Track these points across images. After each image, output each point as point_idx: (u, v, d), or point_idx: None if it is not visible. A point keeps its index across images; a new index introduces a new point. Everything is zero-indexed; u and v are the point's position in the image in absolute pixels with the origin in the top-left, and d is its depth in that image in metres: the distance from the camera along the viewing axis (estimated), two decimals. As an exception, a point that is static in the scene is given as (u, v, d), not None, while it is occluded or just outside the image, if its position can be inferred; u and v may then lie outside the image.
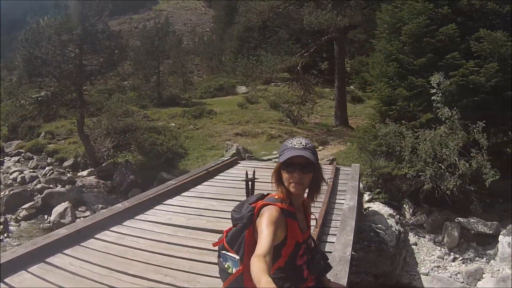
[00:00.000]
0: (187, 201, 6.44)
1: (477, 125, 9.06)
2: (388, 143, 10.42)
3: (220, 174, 8.48)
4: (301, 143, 2.11)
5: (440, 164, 9.42)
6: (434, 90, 10.01)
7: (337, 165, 9.78)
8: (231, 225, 2.32)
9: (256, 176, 4.78)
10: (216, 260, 4.10)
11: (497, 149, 9.95)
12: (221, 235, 2.40)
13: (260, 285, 1.63)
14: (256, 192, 3.58)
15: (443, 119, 9.71)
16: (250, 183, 4.68)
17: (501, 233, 8.65)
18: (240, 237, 2.22)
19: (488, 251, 8.63)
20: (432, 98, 10.09)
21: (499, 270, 8.00)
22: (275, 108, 21.78)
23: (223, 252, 2.24)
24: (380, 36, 12.71)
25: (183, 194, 6.86)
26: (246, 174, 4.73)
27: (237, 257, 2.15)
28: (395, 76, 11.50)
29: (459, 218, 9.21)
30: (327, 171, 8.57)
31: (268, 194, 2.32)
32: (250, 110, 21.60)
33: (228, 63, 32.78)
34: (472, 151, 9.12)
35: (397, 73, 11.41)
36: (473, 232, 8.98)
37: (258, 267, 1.74)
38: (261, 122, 19.01)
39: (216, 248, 2.41)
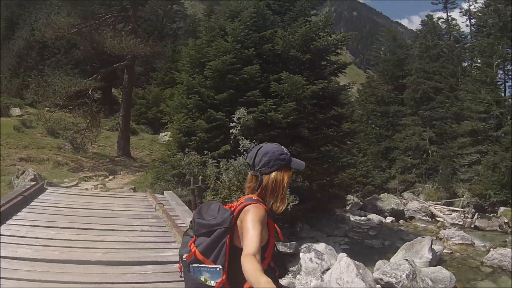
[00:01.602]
0: (19, 231, 5.34)
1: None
2: (191, 172, 10.66)
3: (35, 201, 7.37)
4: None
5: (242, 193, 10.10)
6: (233, 123, 10.81)
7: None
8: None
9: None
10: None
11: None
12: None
13: (259, 285, 1.58)
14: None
15: (241, 151, 10.51)
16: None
17: (301, 251, 9.67)
18: (219, 244, 2.00)
19: (291, 268, 9.45)
20: (231, 131, 10.87)
21: (307, 282, 8.86)
22: (52, 134, 20.03)
23: (195, 265, 1.99)
24: (182, 69, 13.16)
25: (8, 222, 5.66)
26: (192, 182, 4.26)
27: (219, 267, 1.95)
28: (195, 108, 12.01)
29: (257, 242, 9.92)
30: (147, 199, 8.52)
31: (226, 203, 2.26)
32: (27, 135, 19.33)
33: (3, 81, 28.77)
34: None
35: (197, 106, 11.94)
36: (273, 253, 9.79)
37: (252, 267, 1.67)
38: (40, 148, 17.23)
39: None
